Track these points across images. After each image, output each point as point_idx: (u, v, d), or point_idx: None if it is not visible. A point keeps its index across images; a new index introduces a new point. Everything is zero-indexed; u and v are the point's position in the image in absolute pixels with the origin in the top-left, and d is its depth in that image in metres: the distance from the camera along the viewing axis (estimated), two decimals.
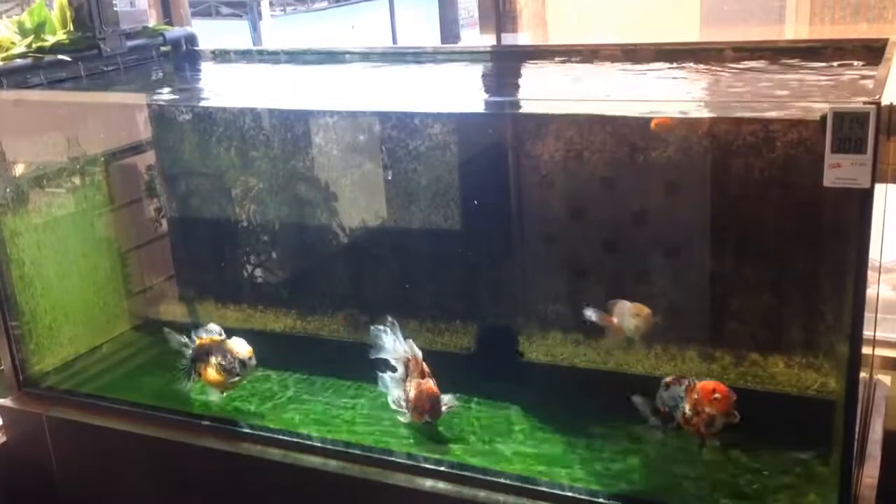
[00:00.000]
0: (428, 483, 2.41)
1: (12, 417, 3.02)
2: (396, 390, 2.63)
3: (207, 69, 3.36)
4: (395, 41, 11.34)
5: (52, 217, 3.11)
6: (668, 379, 2.38)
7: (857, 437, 2.07)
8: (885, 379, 2.66)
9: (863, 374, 2.03)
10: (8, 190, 2.99)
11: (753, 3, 3.20)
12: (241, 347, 2.75)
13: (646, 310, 2.56)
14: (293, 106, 3.12)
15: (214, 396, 2.82)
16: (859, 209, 1.81)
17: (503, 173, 2.87)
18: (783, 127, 2.41)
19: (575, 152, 2.71)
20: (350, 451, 2.54)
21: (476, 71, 3.04)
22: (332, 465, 2.52)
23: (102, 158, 3.27)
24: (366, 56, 3.19)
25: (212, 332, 2.81)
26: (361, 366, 2.70)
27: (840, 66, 2.37)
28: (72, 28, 3.00)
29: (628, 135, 2.62)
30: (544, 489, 2.32)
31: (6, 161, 2.99)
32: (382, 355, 2.65)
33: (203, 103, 3.28)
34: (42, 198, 3.09)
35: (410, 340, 2.62)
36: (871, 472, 2.26)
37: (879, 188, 1.85)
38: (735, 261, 2.59)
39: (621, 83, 2.64)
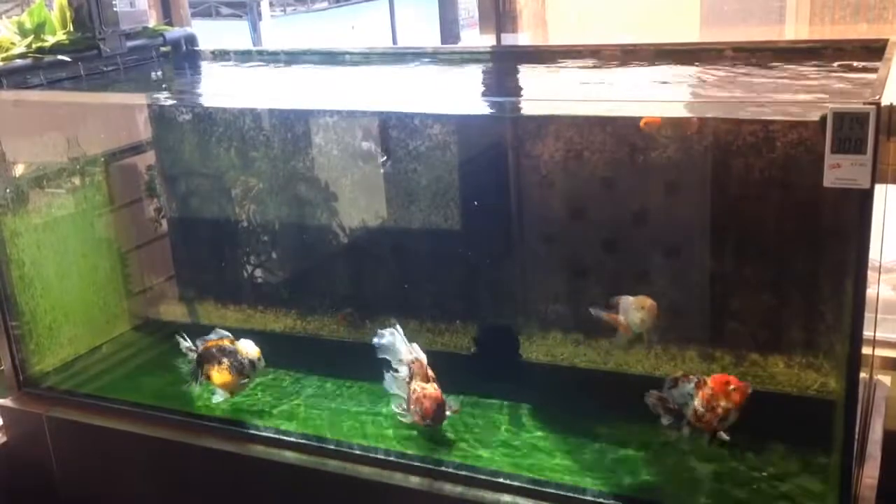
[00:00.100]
0: (428, 483, 2.41)
1: (12, 417, 3.02)
2: (400, 392, 2.63)
3: (207, 69, 3.36)
4: (395, 41, 11.32)
5: (52, 217, 3.11)
6: (674, 377, 2.36)
7: (857, 437, 2.07)
8: (885, 379, 2.66)
9: (863, 375, 2.03)
10: (8, 190, 2.99)
11: (753, 3, 3.20)
12: (250, 348, 2.76)
13: (649, 301, 2.51)
14: (293, 106, 3.12)
15: (221, 399, 2.81)
16: (859, 209, 1.81)
17: (503, 173, 2.87)
18: (783, 127, 2.41)
19: (575, 152, 2.71)
20: (350, 451, 2.54)
21: (476, 71, 3.04)
22: (333, 465, 2.52)
23: (102, 159, 3.27)
24: (366, 56, 3.18)
25: (220, 335, 2.80)
26: (361, 366, 2.70)
27: (840, 66, 2.36)
28: (71, 28, 3.00)
29: (628, 135, 2.61)
30: (548, 490, 2.32)
31: (6, 161, 2.99)
32: (387, 357, 2.64)
33: (203, 103, 3.28)
34: (42, 198, 3.09)
35: (416, 344, 2.60)
36: (871, 472, 2.26)
37: (879, 188, 1.85)
38: (735, 261, 2.59)
39: (623, 83, 2.64)
